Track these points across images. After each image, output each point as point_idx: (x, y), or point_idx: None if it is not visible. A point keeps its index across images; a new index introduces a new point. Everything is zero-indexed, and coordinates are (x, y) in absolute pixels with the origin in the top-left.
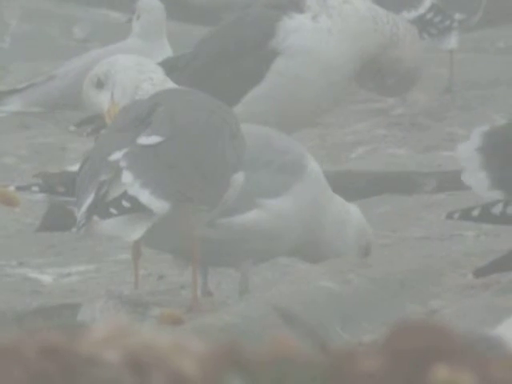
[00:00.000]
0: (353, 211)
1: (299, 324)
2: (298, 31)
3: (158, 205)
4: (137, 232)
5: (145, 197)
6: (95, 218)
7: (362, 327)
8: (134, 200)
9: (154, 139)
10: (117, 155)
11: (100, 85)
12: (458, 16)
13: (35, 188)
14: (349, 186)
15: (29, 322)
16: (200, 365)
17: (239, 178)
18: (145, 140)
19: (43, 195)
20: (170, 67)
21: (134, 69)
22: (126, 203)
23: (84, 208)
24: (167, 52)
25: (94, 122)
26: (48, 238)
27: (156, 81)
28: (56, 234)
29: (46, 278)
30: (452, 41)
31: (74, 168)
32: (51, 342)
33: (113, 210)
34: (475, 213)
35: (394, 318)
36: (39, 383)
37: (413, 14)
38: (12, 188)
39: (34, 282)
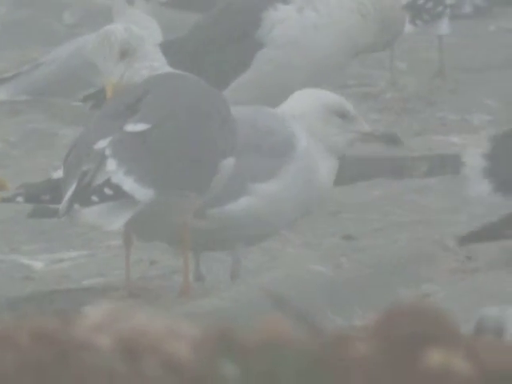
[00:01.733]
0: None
1: (290, 308)
2: (284, 23)
3: (141, 192)
4: (118, 221)
5: (128, 184)
6: (76, 205)
7: (354, 311)
8: (117, 187)
9: (140, 126)
10: (102, 143)
11: (123, 56)
12: (449, 1)
13: (20, 198)
14: (340, 170)
15: (21, 308)
16: (192, 349)
17: (229, 163)
18: (132, 127)
19: (29, 205)
20: (163, 51)
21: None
22: (108, 191)
23: (67, 196)
24: (153, 32)
25: (98, 98)
26: (39, 224)
27: (155, 69)
28: (47, 220)
29: (38, 264)
30: (443, 26)
31: (58, 175)
32: (44, 328)
33: (94, 198)
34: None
35: (386, 302)
36: (32, 369)
37: None
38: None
39: (26, 268)
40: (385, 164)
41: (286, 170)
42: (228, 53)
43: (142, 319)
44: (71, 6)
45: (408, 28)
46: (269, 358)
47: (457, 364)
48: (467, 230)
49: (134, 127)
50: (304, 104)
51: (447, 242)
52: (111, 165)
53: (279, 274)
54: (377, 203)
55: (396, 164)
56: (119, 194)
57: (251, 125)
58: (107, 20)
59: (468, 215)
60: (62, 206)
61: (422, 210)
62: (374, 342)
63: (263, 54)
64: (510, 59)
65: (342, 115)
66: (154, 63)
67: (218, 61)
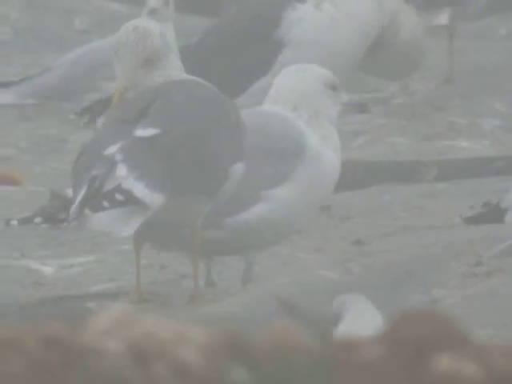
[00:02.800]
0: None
1: (300, 313)
2: (302, 22)
3: (152, 198)
4: (130, 227)
5: (139, 190)
6: (87, 211)
7: None
8: (127, 193)
9: (150, 131)
10: (112, 149)
11: (147, 63)
12: None
13: (38, 219)
14: (349, 175)
15: (31, 314)
16: (202, 354)
17: (239, 168)
18: (141, 132)
19: (47, 226)
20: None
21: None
22: (119, 196)
23: (77, 202)
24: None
25: (94, 111)
26: (50, 229)
27: (171, 77)
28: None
29: (48, 270)
30: (443, 16)
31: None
32: (54, 333)
33: (105, 203)
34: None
35: (395, 308)
36: (42, 374)
37: None
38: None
39: (36, 274)
40: (394, 169)
41: (298, 172)
42: (246, 55)
43: (152, 324)
44: (82, 13)
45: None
46: (279, 363)
47: (466, 369)
48: (478, 235)
49: (143, 132)
50: (300, 80)
51: (457, 247)
52: (122, 170)
53: (289, 279)
54: (386, 208)
55: (405, 169)
56: (130, 200)
57: (261, 130)
58: (118, 26)
59: None
60: (71, 212)
61: (431, 215)
62: (383, 347)
63: (282, 56)
64: None
65: (334, 88)
66: (172, 72)
67: (235, 64)
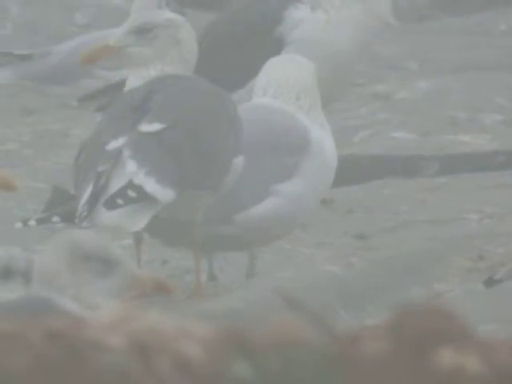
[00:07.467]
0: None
1: (303, 308)
2: (303, 22)
3: (163, 193)
4: (140, 222)
5: (150, 185)
6: (102, 209)
7: (366, 311)
8: (139, 189)
9: (156, 126)
10: (114, 144)
11: (138, 32)
12: None
13: (56, 218)
14: (351, 169)
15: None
16: (205, 349)
17: (239, 162)
18: (147, 127)
19: (64, 225)
20: None
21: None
22: (131, 193)
23: (84, 200)
24: None
25: (96, 97)
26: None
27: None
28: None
29: None
30: None
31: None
32: (57, 328)
33: (119, 201)
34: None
35: (398, 302)
36: (45, 368)
37: None
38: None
39: None
40: (396, 163)
41: (305, 166)
42: (247, 52)
43: (154, 319)
44: (83, 7)
45: None
46: (281, 357)
47: (469, 363)
48: (479, 229)
49: (149, 127)
50: (301, 71)
51: (459, 241)
52: (132, 166)
53: (291, 273)
54: (388, 202)
55: (407, 163)
56: (142, 196)
57: (267, 125)
58: (119, 20)
59: (479, 214)
60: (80, 210)
61: (433, 209)
62: (385, 341)
63: (283, 54)
64: None
65: None
66: (167, 68)
67: (237, 58)
